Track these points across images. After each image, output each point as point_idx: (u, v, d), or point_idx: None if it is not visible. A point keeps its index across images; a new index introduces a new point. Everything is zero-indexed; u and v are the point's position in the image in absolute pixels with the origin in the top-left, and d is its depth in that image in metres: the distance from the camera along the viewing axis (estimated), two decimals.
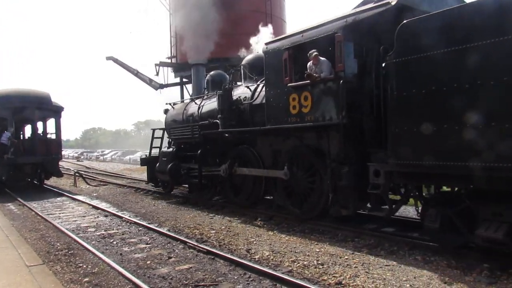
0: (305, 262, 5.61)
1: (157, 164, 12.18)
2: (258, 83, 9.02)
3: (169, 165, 11.39)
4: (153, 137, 13.79)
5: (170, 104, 13.10)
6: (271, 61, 7.96)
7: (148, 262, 5.89)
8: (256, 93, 8.92)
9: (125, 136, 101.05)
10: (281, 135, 8.31)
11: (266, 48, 8.12)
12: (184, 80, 22.17)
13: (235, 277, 5.14)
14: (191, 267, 5.57)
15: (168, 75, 24.48)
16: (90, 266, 5.78)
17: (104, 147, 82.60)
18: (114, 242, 7.16)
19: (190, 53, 13.31)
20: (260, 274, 5.13)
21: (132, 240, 7.30)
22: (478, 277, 4.88)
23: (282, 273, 5.12)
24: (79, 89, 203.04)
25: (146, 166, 13.60)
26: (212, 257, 5.99)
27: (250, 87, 9.33)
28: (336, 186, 6.95)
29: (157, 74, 20.77)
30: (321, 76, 6.91)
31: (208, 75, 11.90)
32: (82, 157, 56.59)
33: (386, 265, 5.44)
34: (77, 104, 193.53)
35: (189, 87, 22.11)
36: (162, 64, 20.82)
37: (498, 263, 5.12)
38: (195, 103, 11.47)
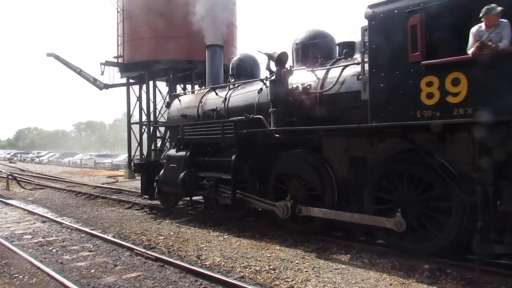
0: (257, 268, 5.59)
1: (161, 172, 9.40)
2: (329, 66, 7.04)
3: (182, 174, 8.65)
4: (154, 136, 11.97)
5: (175, 95, 10.95)
6: (381, 31, 5.49)
7: (92, 271, 5.58)
8: (329, 80, 6.84)
9: (64, 137, 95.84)
10: (364, 136, 6.24)
11: (373, 11, 5.58)
12: (131, 81, 21.50)
13: (186, 285, 5.01)
14: (139, 275, 5.35)
15: (114, 75, 23.63)
16: (27, 277, 5.36)
17: (41, 148, 77.90)
18: (54, 250, 6.71)
19: (207, 32, 10.70)
20: (212, 281, 5.03)
21: (74, 247, 6.88)
22: (420, 278, 5.16)
23: (235, 279, 5.06)
24: (14, 86, 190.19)
25: (139, 173, 11.21)
26: (161, 264, 5.79)
27: (315, 71, 7.17)
28: (488, 212, 4.94)
29: (102, 73, 19.96)
30: (499, 47, 4.56)
31: (235, 59, 9.69)
32: (16, 158, 52.92)
33: (335, 269, 5.56)
34: (10, 102, 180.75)
35: (136, 88, 21.61)
36: (108, 63, 20.02)
37: (438, 264, 5.45)
38: (217, 94, 9.14)
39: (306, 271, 5.44)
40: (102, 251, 6.62)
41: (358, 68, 6.16)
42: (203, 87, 10.52)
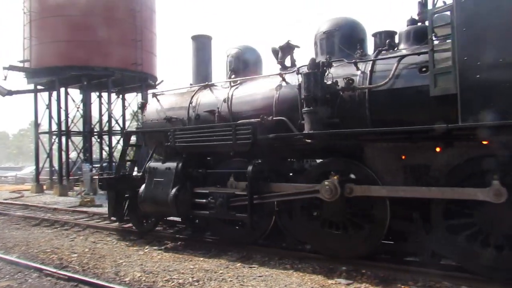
0: (180, 281, 5.42)
1: (142, 189, 7.73)
2: (377, 57, 6.10)
3: (174, 190, 7.15)
4: (127, 145, 8.95)
5: (152, 94, 8.99)
6: (478, 8, 4.66)
7: None
8: (378, 73, 5.88)
9: None
10: (428, 140, 5.39)
11: None
12: (40, 87, 19.89)
13: None
14: None
15: (19, 81, 21.77)
16: None
17: None
18: None
19: None
20: None
21: None
22: (339, 279, 5.42)
23: None
24: None
25: (105, 190, 8.91)
26: (75, 284, 5.37)
27: (358, 64, 6.10)
28: None
29: (5, 78, 18.20)
30: None
31: (234, 51, 8.11)
32: None
33: (259, 276, 5.59)
34: None
35: (45, 95, 20.02)
36: (13, 68, 18.32)
37: (354, 265, 5.77)
38: (213, 93, 7.76)
39: (230, 281, 5.40)
40: (4, 273, 5.94)
41: (417, 59, 5.59)
42: (190, 85, 8.64)
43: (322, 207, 6.15)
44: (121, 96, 22.44)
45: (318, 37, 6.87)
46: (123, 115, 22.79)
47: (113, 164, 23.51)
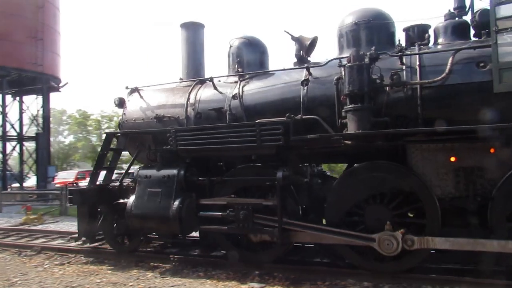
0: None
1: (131, 202, 6.41)
2: (436, 47, 5.61)
3: (177, 202, 6.01)
4: (107, 149, 7.22)
5: (134, 89, 7.49)
6: None
7: None
8: (429, 68, 5.35)
9: None
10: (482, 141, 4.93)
11: None
12: None
13: None
14: None
15: None
16: None
17: None
18: None
19: None
20: None
21: None
22: (252, 283, 5.47)
23: None
24: None
25: (76, 205, 7.08)
26: None
27: (411, 57, 5.52)
28: None
29: None
30: None
31: (239, 42, 6.97)
32: None
33: (171, 286, 5.47)
34: None
35: None
36: None
37: (267, 269, 5.84)
38: (216, 89, 6.65)
39: None
40: None
41: (472, 53, 5.16)
42: (180, 80, 7.42)
43: None
44: (18, 98, 20.85)
45: (344, 29, 6.24)
46: (20, 119, 21.25)
47: (8, 173, 21.27)
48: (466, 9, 5.83)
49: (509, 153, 4.91)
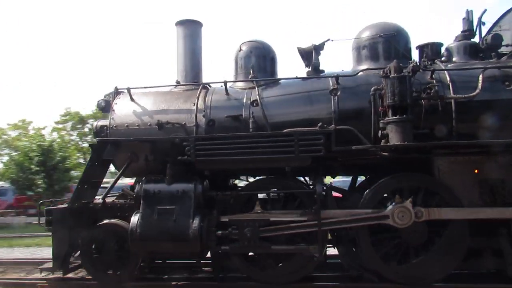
0: None
1: (136, 221, 5.43)
2: (461, 65, 5.79)
3: (197, 220, 5.31)
4: (98, 160, 6.02)
5: (121, 90, 6.43)
6: None
7: None
8: (459, 84, 5.52)
9: None
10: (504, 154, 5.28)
11: None
12: None
13: None
14: None
15: None
16: None
17: None
18: None
19: None
20: None
21: None
22: None
23: None
24: None
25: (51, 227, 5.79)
26: None
27: (439, 73, 5.63)
28: None
29: None
30: None
31: (250, 46, 6.48)
32: None
33: None
34: None
35: None
36: None
37: None
38: (231, 94, 6.09)
39: None
40: None
41: (495, 72, 5.52)
42: (176, 82, 6.66)
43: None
44: None
45: (362, 42, 6.23)
46: None
47: None
48: (474, 32, 6.29)
49: None
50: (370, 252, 5.44)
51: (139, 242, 5.38)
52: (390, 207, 5.33)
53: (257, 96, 5.94)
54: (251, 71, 6.29)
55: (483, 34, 6.34)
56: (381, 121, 5.39)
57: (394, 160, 5.54)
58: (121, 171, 6.15)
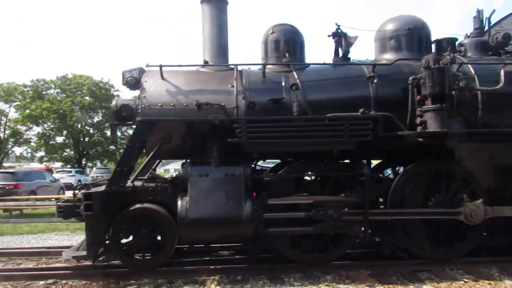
0: None
1: (185, 205, 5.24)
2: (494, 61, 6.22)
3: (249, 203, 5.28)
4: (138, 140, 5.57)
5: (152, 68, 5.97)
6: None
7: None
8: (484, 77, 5.98)
9: None
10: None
11: None
12: None
13: None
14: None
15: None
16: None
17: None
18: None
19: None
20: None
21: None
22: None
23: None
24: None
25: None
26: None
27: (463, 66, 6.02)
28: None
29: None
30: None
31: (285, 29, 6.44)
32: None
33: None
34: None
35: None
36: None
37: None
38: (267, 76, 6.01)
39: None
40: None
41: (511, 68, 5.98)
42: (204, 62, 6.42)
43: None
44: None
45: (386, 33, 6.59)
46: None
47: None
48: (485, 30, 6.89)
49: None
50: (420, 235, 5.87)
51: (190, 226, 5.22)
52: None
53: (297, 80, 5.98)
54: (286, 55, 6.29)
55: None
56: (418, 109, 5.74)
57: (420, 146, 5.92)
58: (152, 152, 5.84)
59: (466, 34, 7.01)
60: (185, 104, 5.85)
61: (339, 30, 6.45)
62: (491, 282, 5.30)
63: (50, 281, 5.48)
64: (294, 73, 6.08)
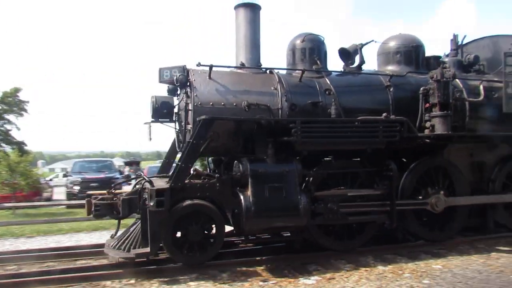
0: None
1: (248, 200, 5.57)
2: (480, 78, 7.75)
3: (304, 196, 5.85)
4: (199, 140, 5.69)
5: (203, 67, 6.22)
6: None
7: None
8: (468, 90, 7.41)
9: None
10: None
11: None
12: None
13: None
14: None
15: None
16: None
17: None
18: None
19: None
20: None
21: None
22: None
23: None
24: None
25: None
26: None
27: (458, 80, 7.38)
28: None
29: None
30: None
31: (313, 38, 7.09)
32: None
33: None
34: None
35: None
36: None
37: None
38: (303, 81, 6.67)
39: None
40: None
41: (485, 84, 7.54)
42: (241, 64, 6.78)
43: None
44: None
45: (389, 49, 7.69)
46: None
47: None
48: (458, 52, 8.36)
49: (502, 151, 7.64)
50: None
51: (255, 219, 5.56)
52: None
53: (330, 86, 6.68)
54: (318, 62, 6.95)
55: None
56: (427, 115, 6.86)
57: (424, 146, 6.98)
58: (200, 150, 5.99)
59: (445, 53, 8.41)
60: (234, 104, 6.17)
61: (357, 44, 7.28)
62: (367, 268, 5.86)
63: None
64: (326, 79, 6.76)
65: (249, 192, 5.64)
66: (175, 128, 6.85)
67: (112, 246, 5.95)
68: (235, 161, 5.96)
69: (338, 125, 6.21)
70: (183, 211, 5.64)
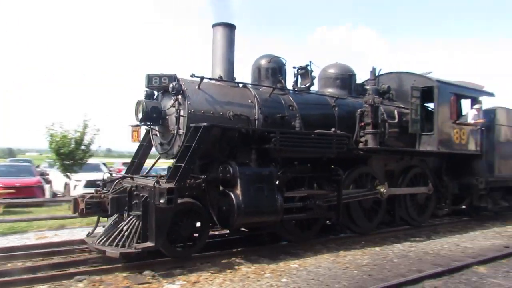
0: None
1: (239, 197, 6.38)
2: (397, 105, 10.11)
3: (279, 196, 6.90)
4: (200, 144, 6.16)
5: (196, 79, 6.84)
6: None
7: None
8: (388, 113, 9.38)
9: None
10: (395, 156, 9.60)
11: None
12: None
13: None
14: None
15: None
16: None
17: None
18: None
19: None
20: None
21: None
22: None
23: None
24: None
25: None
26: None
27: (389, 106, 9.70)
28: None
29: None
30: None
31: (276, 59, 8.36)
32: None
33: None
34: None
35: None
36: None
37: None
38: (271, 96, 7.78)
39: None
40: None
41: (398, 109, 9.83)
42: (219, 77, 7.55)
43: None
44: None
45: (330, 74, 9.38)
46: None
47: None
48: (375, 81, 10.38)
49: (406, 163, 9.91)
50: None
51: (245, 215, 6.42)
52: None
53: (293, 102, 7.91)
54: (282, 81, 8.09)
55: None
56: (362, 132, 8.57)
57: (356, 156, 8.72)
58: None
59: (363, 82, 10.36)
60: (221, 113, 6.96)
61: (308, 66, 8.62)
62: (231, 270, 6.14)
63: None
64: (289, 96, 7.95)
65: (238, 192, 6.45)
66: (158, 131, 7.23)
67: (101, 242, 6.11)
68: (223, 165, 6.69)
69: (306, 137, 7.46)
70: (176, 208, 6.14)
